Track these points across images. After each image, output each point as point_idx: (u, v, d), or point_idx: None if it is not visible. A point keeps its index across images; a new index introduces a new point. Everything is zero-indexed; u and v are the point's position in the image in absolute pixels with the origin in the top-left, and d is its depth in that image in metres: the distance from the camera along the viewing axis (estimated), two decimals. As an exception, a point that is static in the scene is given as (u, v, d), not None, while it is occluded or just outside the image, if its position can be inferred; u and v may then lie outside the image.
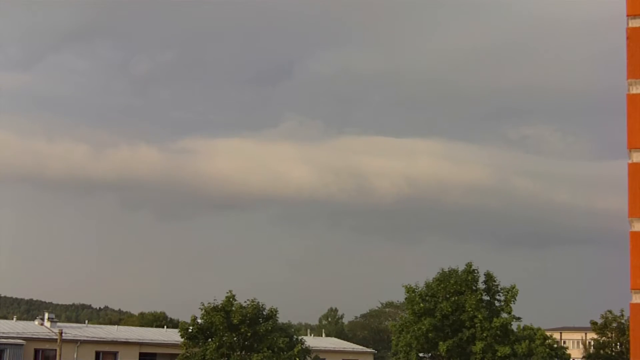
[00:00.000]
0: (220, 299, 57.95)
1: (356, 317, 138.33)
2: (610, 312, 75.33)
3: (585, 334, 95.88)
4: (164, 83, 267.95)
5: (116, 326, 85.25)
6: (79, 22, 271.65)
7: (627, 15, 3.82)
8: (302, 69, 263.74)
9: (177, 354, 60.95)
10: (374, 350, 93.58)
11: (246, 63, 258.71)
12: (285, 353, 56.68)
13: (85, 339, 71.42)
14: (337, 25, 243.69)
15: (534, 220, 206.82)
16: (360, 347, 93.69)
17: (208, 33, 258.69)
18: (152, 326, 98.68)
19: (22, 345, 66.77)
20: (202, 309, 57.42)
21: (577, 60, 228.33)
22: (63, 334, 64.92)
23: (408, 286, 57.81)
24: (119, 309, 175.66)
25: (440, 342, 55.04)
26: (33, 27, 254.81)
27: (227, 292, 58.14)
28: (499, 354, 54.14)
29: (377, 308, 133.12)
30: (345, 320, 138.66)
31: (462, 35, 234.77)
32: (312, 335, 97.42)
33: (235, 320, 56.29)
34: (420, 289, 57.73)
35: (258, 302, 58.68)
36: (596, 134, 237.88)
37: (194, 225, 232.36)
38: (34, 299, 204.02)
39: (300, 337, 63.52)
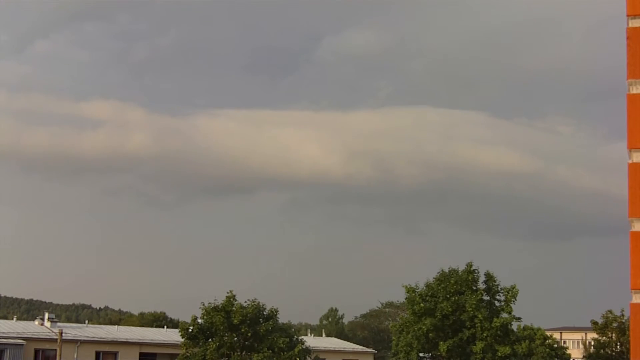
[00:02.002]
0: (220, 299, 58.01)
1: (356, 317, 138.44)
2: (610, 312, 75.34)
3: (586, 334, 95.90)
4: (162, 69, 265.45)
5: (116, 326, 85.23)
6: (72, 6, 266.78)
7: (627, 15, 3.82)
8: (313, 51, 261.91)
9: (177, 354, 60.93)
10: (374, 351, 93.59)
11: (250, 48, 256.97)
12: (285, 353, 56.66)
13: (85, 339, 71.42)
14: (346, 6, 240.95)
15: (558, 209, 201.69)
16: (361, 347, 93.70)
17: (209, 17, 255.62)
18: (152, 326, 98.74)
19: (22, 345, 66.77)
20: (202, 309, 57.43)
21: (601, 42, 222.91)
22: (63, 334, 64.91)
23: (408, 286, 57.82)
24: (119, 309, 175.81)
25: (441, 342, 55.03)
26: (23, 12, 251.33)
27: (228, 292, 58.21)
28: (499, 354, 54.13)
29: (377, 308, 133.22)
30: (346, 320, 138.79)
31: (480, 15, 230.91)
32: (313, 335, 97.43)
33: (236, 321, 56.28)
34: (420, 289, 57.74)
35: (258, 302, 58.70)
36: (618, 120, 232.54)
37: (192, 215, 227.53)
38: (34, 299, 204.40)
39: (300, 337, 63.50)
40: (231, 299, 57.85)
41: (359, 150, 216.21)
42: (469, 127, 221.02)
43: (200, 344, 56.74)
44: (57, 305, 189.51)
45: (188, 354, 57.07)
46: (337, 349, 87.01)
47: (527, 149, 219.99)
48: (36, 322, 74.79)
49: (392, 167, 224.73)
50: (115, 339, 73.34)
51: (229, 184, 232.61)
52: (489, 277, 57.54)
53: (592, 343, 79.30)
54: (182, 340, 57.99)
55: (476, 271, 57.65)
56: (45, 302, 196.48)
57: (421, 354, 57.37)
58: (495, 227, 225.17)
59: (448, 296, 56.44)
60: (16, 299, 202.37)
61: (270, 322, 57.71)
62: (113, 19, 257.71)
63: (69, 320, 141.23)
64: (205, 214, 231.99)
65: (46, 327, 70.98)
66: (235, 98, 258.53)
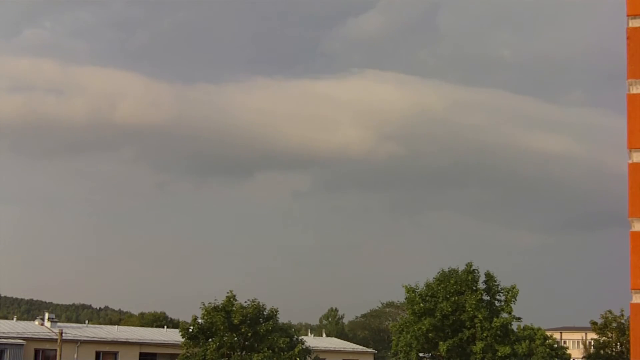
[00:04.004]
0: (220, 299, 58.04)
1: (356, 317, 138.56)
2: (610, 312, 75.37)
3: (586, 333, 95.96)
4: (161, 59, 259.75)
5: (116, 326, 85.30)
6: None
7: (627, 15, 3.83)
8: (322, 40, 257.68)
9: (178, 354, 60.97)
10: (374, 350, 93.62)
11: (255, 35, 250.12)
12: (285, 353, 56.67)
13: (86, 339, 71.45)
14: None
15: (584, 194, 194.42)
16: (361, 347, 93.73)
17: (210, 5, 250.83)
18: (152, 326, 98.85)
19: (22, 345, 66.79)
20: (202, 309, 57.45)
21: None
22: (63, 334, 64.92)
23: (408, 286, 57.85)
24: (119, 309, 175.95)
25: (441, 342, 55.05)
26: None
27: (228, 292, 58.25)
28: (499, 354, 54.15)
29: (377, 308, 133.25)
30: (346, 320, 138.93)
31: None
32: (313, 335, 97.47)
33: (236, 320, 56.30)
34: (420, 289, 57.77)
35: (259, 302, 58.72)
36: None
37: (189, 207, 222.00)
38: (34, 299, 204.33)
39: (300, 337, 63.54)
40: (231, 299, 57.89)
41: (367, 122, 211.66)
42: (493, 105, 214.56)
43: (201, 344, 56.76)
44: (57, 305, 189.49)
45: (188, 354, 57.09)
46: (337, 349, 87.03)
47: (558, 129, 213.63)
48: (36, 322, 74.82)
49: (413, 144, 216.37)
50: (115, 339, 73.36)
51: (227, 161, 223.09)
52: (489, 277, 57.58)
53: (592, 343, 79.34)
54: (182, 340, 58.01)
55: (476, 271, 57.71)
56: (45, 302, 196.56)
57: (421, 354, 57.39)
58: (507, 216, 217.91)
59: (448, 296, 56.44)
60: (16, 299, 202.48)
61: (270, 322, 57.72)
62: (108, 4, 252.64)
63: (69, 320, 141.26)
64: (203, 205, 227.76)
65: (46, 327, 71.01)
66: (239, 71, 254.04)
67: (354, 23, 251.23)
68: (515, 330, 58.49)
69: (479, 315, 54.49)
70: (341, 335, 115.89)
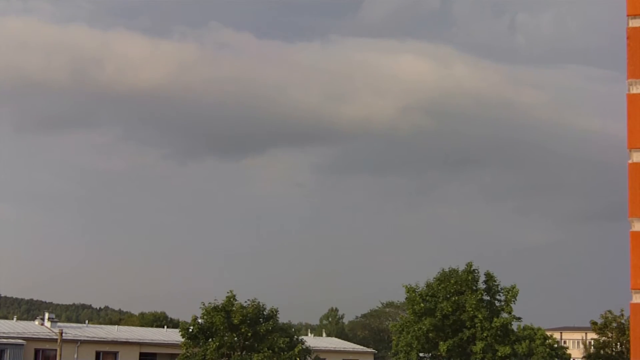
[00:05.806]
0: (220, 299, 58.04)
1: (357, 317, 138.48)
2: (610, 312, 75.33)
3: (586, 333, 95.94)
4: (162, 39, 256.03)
5: (116, 326, 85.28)
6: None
7: (627, 15, 3.84)
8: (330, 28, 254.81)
9: (178, 354, 60.94)
10: (374, 350, 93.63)
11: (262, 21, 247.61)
12: (285, 353, 56.66)
13: (86, 339, 71.44)
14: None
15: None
16: (361, 347, 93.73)
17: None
18: (152, 326, 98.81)
19: (23, 345, 66.79)
20: (202, 309, 57.45)
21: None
22: (63, 334, 64.91)
23: (408, 286, 57.86)
24: (119, 309, 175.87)
25: (441, 342, 55.06)
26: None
27: (228, 292, 58.25)
28: (499, 354, 54.16)
29: (377, 308, 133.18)
30: (346, 320, 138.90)
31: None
32: (313, 335, 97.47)
33: (236, 320, 56.29)
34: (420, 288, 57.78)
35: (258, 302, 58.72)
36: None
37: (188, 199, 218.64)
38: (34, 299, 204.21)
39: (300, 337, 63.52)
40: (231, 299, 57.88)
41: (386, 90, 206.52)
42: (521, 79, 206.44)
43: (201, 343, 56.75)
44: (57, 305, 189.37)
45: (188, 354, 57.07)
46: (337, 349, 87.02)
47: (593, 105, 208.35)
48: (36, 322, 74.80)
49: (438, 117, 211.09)
50: (115, 339, 73.35)
51: (228, 138, 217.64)
52: (489, 277, 57.60)
53: (592, 343, 79.30)
54: (182, 340, 57.99)
55: (476, 271, 57.74)
56: (45, 302, 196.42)
57: (421, 354, 57.40)
58: (514, 209, 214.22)
59: (448, 296, 56.47)
60: (16, 299, 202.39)
61: (270, 322, 57.72)
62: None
63: (69, 320, 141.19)
64: (202, 202, 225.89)
65: (46, 327, 71.00)
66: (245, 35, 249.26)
67: (371, 4, 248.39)
68: (515, 330, 58.48)
69: (479, 315, 54.50)
70: (341, 335, 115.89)
